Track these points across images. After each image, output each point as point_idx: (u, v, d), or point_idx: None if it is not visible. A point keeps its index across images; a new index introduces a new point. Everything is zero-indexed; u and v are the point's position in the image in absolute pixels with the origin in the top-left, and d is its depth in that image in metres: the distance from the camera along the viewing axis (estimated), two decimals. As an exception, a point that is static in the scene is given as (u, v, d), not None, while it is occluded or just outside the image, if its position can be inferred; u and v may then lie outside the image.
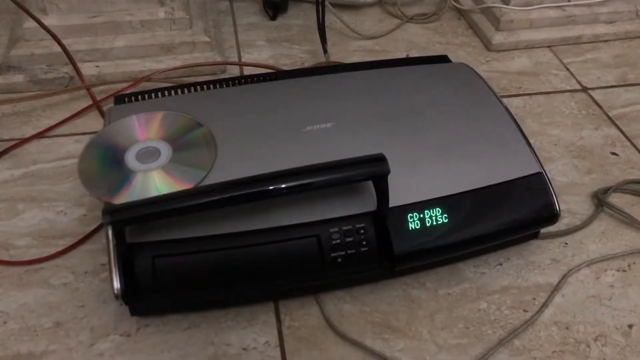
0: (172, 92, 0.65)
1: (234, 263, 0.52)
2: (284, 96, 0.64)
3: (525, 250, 0.61)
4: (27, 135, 0.72)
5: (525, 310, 0.55)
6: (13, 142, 0.71)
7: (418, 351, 0.52)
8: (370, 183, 0.52)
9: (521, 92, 0.83)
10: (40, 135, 0.72)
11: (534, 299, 0.56)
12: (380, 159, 0.49)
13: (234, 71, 0.85)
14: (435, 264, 0.58)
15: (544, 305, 0.55)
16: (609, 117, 0.79)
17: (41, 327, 0.52)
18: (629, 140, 0.75)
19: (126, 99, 0.64)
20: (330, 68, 0.70)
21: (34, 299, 0.55)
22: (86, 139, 0.56)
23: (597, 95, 0.83)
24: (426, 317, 0.54)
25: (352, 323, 0.54)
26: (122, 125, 0.58)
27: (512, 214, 0.55)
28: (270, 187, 0.48)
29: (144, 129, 0.58)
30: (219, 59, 0.83)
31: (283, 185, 0.48)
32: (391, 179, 0.50)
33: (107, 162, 0.55)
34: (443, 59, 0.73)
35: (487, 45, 0.92)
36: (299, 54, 0.90)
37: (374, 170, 0.50)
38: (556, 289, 0.57)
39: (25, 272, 0.57)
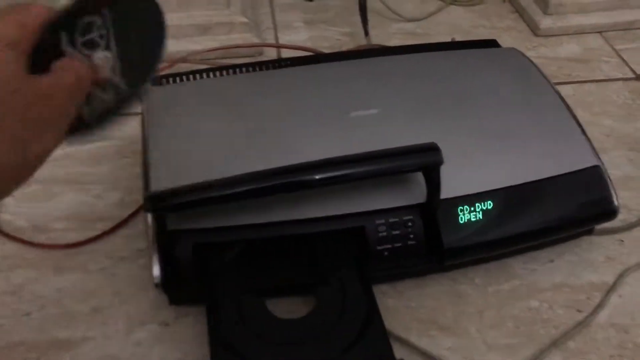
0: (210, 74, 0.63)
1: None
2: (326, 80, 0.61)
3: (577, 247, 0.58)
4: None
5: (579, 310, 0.52)
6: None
7: (466, 350, 0.49)
8: (419, 174, 0.50)
9: (571, 80, 0.79)
10: (75, 116, 0.71)
11: (588, 298, 0.53)
12: (433, 149, 0.47)
13: (270, 53, 0.83)
14: (483, 260, 0.55)
15: (599, 305, 0.52)
16: (665, 108, 0.75)
17: (79, 313, 0.51)
18: (686, 132, 0.71)
19: (162, 81, 0.62)
20: (373, 51, 0.68)
21: (71, 284, 0.53)
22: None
23: (652, 84, 0.79)
24: (474, 315, 0.52)
25: (397, 319, 0.51)
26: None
27: (568, 209, 0.53)
28: (317, 177, 0.46)
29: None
30: (256, 40, 0.81)
31: (330, 175, 0.46)
32: (441, 170, 0.47)
33: None
34: (492, 44, 0.69)
35: (534, 30, 0.88)
36: (337, 35, 0.87)
37: (426, 160, 0.47)
38: (612, 288, 0.54)
39: (65, 255, 0.56)
